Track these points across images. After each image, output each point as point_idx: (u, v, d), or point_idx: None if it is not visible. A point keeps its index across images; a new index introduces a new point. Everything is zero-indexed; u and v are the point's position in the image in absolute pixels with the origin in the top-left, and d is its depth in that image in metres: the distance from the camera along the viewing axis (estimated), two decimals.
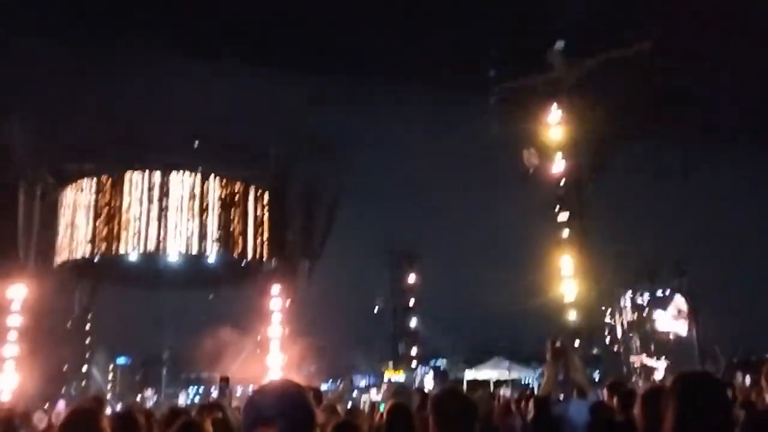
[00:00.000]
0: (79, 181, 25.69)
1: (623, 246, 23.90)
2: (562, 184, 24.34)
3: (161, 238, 25.03)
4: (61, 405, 18.19)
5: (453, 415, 3.13)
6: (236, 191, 26.68)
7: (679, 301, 24.85)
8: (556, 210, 24.20)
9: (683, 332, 24.27)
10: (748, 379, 13.90)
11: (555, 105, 24.99)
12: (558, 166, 24.46)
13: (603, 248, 23.86)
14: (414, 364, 34.87)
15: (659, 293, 25.26)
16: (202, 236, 25.52)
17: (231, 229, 26.18)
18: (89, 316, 29.89)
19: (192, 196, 25.56)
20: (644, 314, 25.49)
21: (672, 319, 24.69)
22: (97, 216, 25.20)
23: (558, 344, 5.19)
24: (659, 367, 23.95)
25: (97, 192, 25.44)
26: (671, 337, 24.47)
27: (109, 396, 32.83)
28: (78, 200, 25.65)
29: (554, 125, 24.94)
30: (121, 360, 54.04)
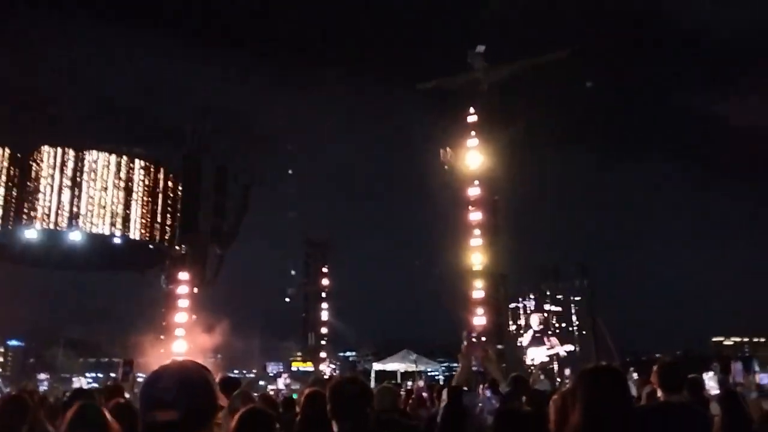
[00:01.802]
0: None
1: (532, 245, 24.70)
2: (476, 183, 24.86)
3: (66, 216, 23.86)
4: None
5: (347, 399, 3.24)
6: (148, 171, 25.74)
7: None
8: (469, 208, 24.70)
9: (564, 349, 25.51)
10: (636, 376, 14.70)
11: (473, 106, 25.49)
12: (473, 165, 24.96)
13: (512, 246, 24.57)
14: (323, 354, 34.83)
15: (559, 297, 26.34)
16: (111, 216, 24.49)
17: (140, 210, 25.23)
18: None
19: (103, 175, 24.49)
20: (545, 314, 26.50)
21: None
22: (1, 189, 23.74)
23: (473, 337, 5.36)
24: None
25: (4, 165, 23.95)
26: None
27: None
28: None
29: (471, 126, 25.44)
30: (13, 342, 51.33)
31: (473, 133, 25.39)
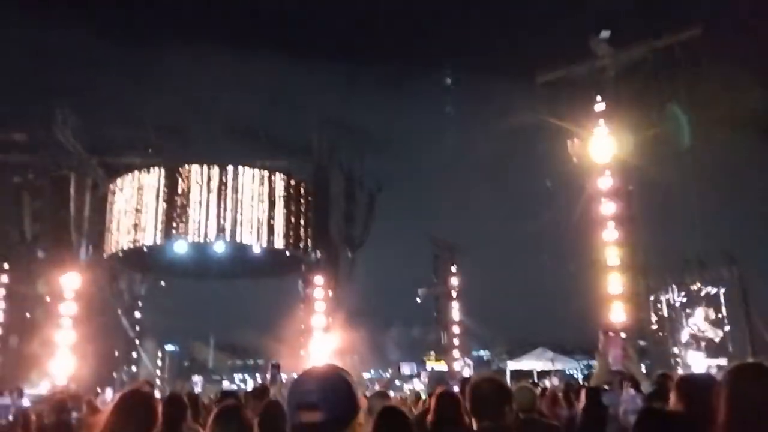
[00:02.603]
0: (132, 173, 26.37)
1: (672, 235, 23.33)
2: (607, 173, 23.88)
3: (207, 229, 25.54)
4: (108, 393, 18.78)
5: (487, 398, 3.23)
6: (284, 183, 27.03)
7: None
8: (602, 200, 23.77)
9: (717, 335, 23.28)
10: None
11: (600, 95, 24.50)
12: (603, 155, 24.00)
13: (651, 238, 23.34)
14: (456, 354, 34.81)
15: (709, 289, 24.40)
16: (252, 227, 25.95)
17: (276, 220, 26.53)
18: (139, 304, 30.70)
19: (245, 189, 26.02)
20: (689, 309, 24.73)
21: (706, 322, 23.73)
22: (145, 206, 25.83)
23: (611, 334, 5.20)
24: (700, 361, 23.19)
25: (147, 184, 26.07)
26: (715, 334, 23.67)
27: (158, 381, 33.73)
28: (129, 191, 26.31)
29: (599, 114, 24.48)
30: (170, 347, 55.37)
31: (601, 121, 24.43)
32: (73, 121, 25.30)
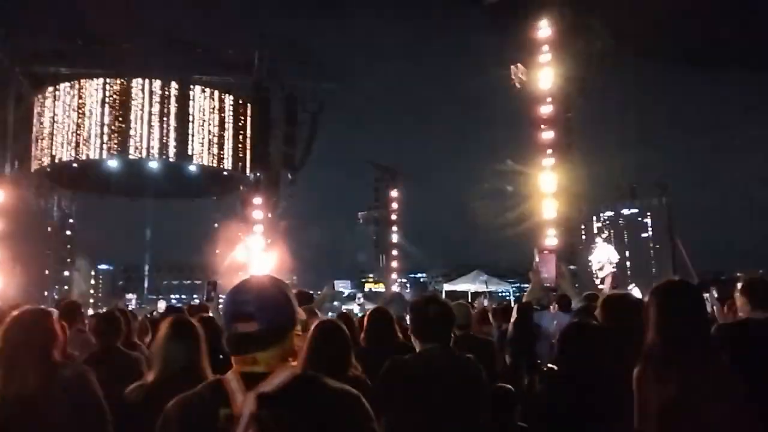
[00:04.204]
0: (58, 85, 25.00)
1: (607, 163, 23.98)
2: (548, 100, 24.07)
3: (144, 145, 24.70)
4: None
5: (431, 318, 3.21)
6: (221, 100, 26.20)
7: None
8: (541, 127, 24.04)
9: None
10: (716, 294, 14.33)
11: (545, 19, 24.34)
12: (545, 82, 24.10)
13: (587, 165, 23.92)
14: (394, 276, 35.51)
15: (638, 215, 25.35)
16: (184, 145, 25.19)
17: (213, 138, 25.85)
18: (70, 222, 29.81)
19: (175, 105, 25.05)
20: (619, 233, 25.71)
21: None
22: (77, 120, 24.69)
23: (546, 252, 5.33)
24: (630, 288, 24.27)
25: (78, 97, 24.81)
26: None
27: (91, 300, 33.29)
28: (58, 104, 25.04)
29: (544, 40, 24.39)
30: (103, 266, 54.52)
31: (546, 48, 24.36)
32: None
